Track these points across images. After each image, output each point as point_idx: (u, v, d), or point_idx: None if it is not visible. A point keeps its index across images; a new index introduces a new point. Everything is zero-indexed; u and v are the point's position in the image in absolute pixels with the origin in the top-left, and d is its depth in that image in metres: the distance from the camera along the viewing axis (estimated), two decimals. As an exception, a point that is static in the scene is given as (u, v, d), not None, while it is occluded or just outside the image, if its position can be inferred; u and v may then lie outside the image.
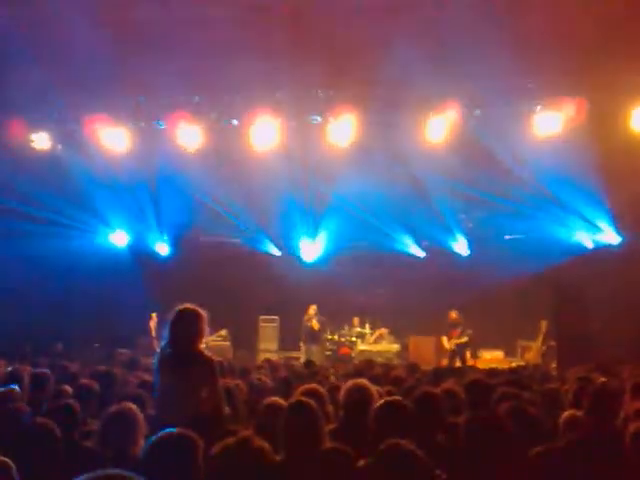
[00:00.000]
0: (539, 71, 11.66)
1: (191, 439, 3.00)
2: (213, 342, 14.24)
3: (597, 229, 14.61)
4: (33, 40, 10.81)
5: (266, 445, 2.61)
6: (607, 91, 12.48)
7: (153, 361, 5.34)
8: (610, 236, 14.57)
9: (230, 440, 2.60)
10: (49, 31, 10.69)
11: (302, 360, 13.42)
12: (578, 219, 14.58)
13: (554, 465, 3.01)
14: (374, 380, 5.57)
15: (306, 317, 15.21)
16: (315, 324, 15.13)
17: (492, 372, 7.94)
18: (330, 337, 15.59)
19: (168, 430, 3.07)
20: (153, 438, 3.04)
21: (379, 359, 13.22)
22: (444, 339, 14.56)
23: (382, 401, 4.17)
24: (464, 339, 14.33)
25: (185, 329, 4.86)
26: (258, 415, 4.62)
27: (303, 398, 4.14)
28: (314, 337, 15.20)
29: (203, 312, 4.95)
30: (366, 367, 8.83)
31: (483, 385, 5.04)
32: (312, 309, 15.20)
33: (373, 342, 15.54)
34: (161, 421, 4.32)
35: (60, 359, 9.60)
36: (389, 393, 5.22)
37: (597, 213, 14.30)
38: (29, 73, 11.55)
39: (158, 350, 5.18)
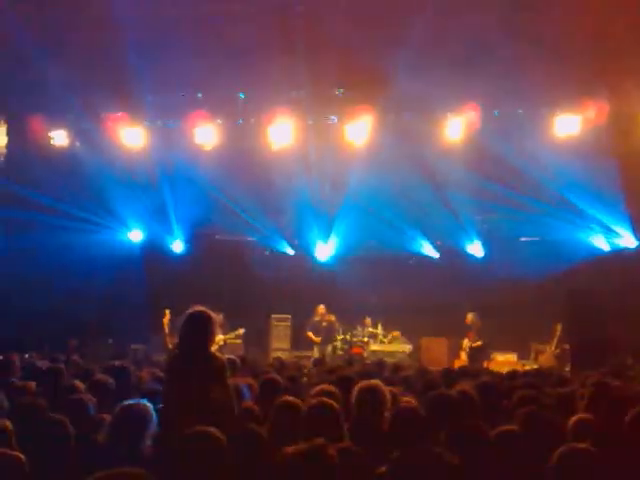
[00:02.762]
0: (559, 73, 11.58)
1: (218, 438, 3.01)
2: (229, 340, 14.28)
3: (614, 232, 14.49)
4: (54, 39, 10.90)
5: (335, 454, 2.56)
6: (627, 94, 12.38)
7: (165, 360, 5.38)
8: (627, 239, 14.44)
9: (303, 447, 2.55)
10: (69, 30, 10.77)
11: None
12: (595, 222, 14.46)
13: (575, 467, 2.99)
14: (385, 381, 5.56)
15: (317, 317, 15.18)
16: (334, 323, 15.14)
17: (508, 375, 7.89)
18: (342, 337, 15.56)
19: (195, 428, 3.07)
20: (180, 436, 3.03)
21: (390, 360, 13.16)
22: (465, 340, 14.51)
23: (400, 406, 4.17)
24: (478, 343, 14.24)
25: (196, 332, 4.90)
26: (272, 414, 4.63)
27: (325, 398, 4.16)
28: (328, 337, 15.18)
29: (214, 315, 4.99)
30: (376, 369, 8.80)
31: (497, 388, 5.01)
32: (322, 308, 15.19)
33: (387, 343, 15.50)
34: (169, 421, 4.35)
35: (75, 354, 9.68)
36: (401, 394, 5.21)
37: (614, 216, 14.18)
38: (50, 71, 11.65)
39: (171, 347, 5.23)
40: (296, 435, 4.15)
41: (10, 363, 6.80)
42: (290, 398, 4.74)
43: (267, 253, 16.58)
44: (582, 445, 3.12)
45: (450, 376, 7.25)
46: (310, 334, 15.17)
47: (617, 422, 4.09)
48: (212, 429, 3.06)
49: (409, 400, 5.42)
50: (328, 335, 15.15)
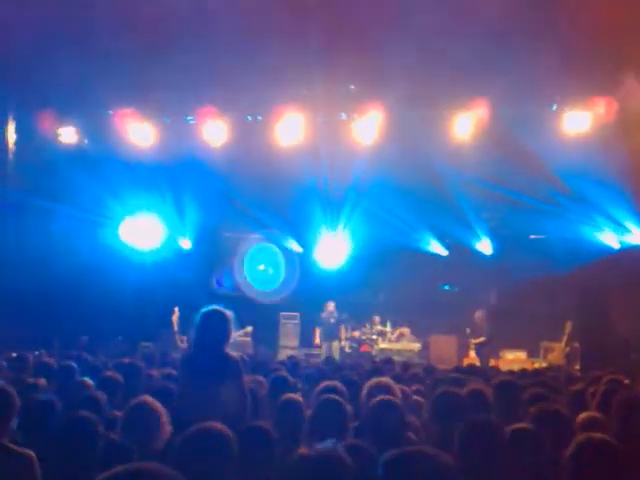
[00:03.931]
0: (568, 69, 11.52)
1: (226, 433, 3.01)
2: (238, 337, 14.30)
3: (624, 230, 14.41)
4: (64, 34, 10.93)
5: (349, 459, 2.54)
6: (637, 91, 12.30)
7: (177, 358, 5.37)
8: (637, 237, 14.36)
9: (313, 451, 2.53)
10: (79, 25, 10.79)
11: (322, 357, 13.46)
12: (605, 219, 14.38)
13: (593, 457, 2.99)
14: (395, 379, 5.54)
15: (325, 314, 15.17)
16: (343, 323, 15.16)
17: (519, 374, 7.88)
18: (351, 335, 15.55)
19: (203, 424, 3.07)
20: (187, 431, 3.03)
21: (398, 358, 13.15)
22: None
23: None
24: (481, 339, 14.25)
25: (211, 331, 4.87)
26: (275, 411, 4.64)
27: (331, 395, 4.16)
28: (335, 334, 15.18)
29: (229, 314, 4.95)
30: (384, 366, 8.79)
31: (512, 386, 4.99)
32: (331, 306, 15.18)
33: (394, 340, 15.49)
34: (183, 420, 4.34)
35: (86, 352, 9.69)
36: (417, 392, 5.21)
37: (624, 214, 14.11)
38: (59, 68, 11.68)
39: (180, 344, 5.23)
40: (298, 433, 4.15)
41: (24, 361, 6.83)
42: (293, 395, 4.73)
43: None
44: (599, 435, 3.12)
45: (460, 374, 7.23)
46: (316, 331, 15.20)
47: (629, 421, 4.07)
48: (219, 425, 3.07)
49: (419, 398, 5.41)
50: (334, 332, 15.14)
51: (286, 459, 3.47)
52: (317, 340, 15.32)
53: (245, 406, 4.73)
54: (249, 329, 14.69)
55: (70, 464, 3.46)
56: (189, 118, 14.40)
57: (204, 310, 4.95)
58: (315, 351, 15.13)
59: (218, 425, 3.08)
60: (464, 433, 3.26)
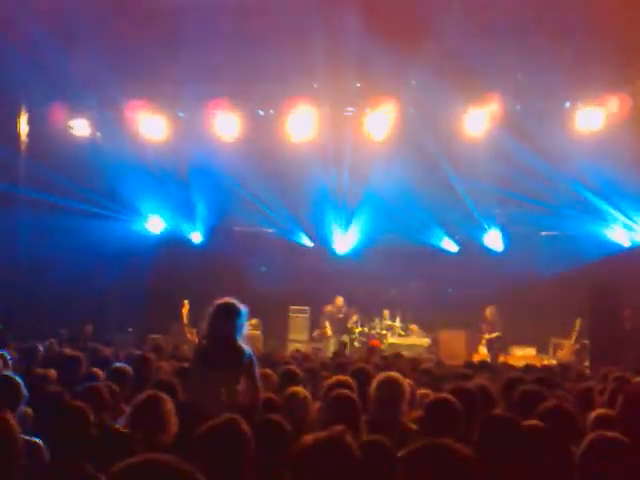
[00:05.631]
0: (582, 66, 11.45)
1: (243, 427, 3.02)
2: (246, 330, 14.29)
3: (635, 228, 14.32)
4: (75, 28, 10.97)
5: (352, 441, 2.55)
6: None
7: (189, 350, 5.40)
8: (649, 235, 14.27)
9: (320, 435, 2.54)
10: (91, 19, 10.82)
11: (330, 351, 13.47)
12: (616, 217, 14.30)
13: (606, 453, 2.99)
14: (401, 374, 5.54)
15: (334, 308, 15.15)
16: (353, 317, 15.14)
17: (526, 370, 7.86)
18: (360, 329, 15.54)
19: (222, 418, 3.07)
20: (206, 425, 3.04)
21: (408, 353, 13.11)
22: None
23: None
24: (494, 335, 14.23)
25: (225, 323, 4.88)
26: (282, 404, 4.64)
27: (344, 391, 4.15)
28: (344, 328, 15.18)
29: (242, 307, 4.96)
30: (393, 361, 8.77)
31: (518, 383, 4.98)
32: (340, 300, 15.17)
33: (404, 334, 15.48)
34: (195, 411, 4.35)
35: (91, 342, 9.74)
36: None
37: (636, 211, 14.02)
38: (72, 60, 11.73)
39: (189, 337, 5.25)
40: (305, 425, 4.16)
41: (34, 351, 6.87)
42: (298, 389, 4.74)
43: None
44: (611, 433, 3.12)
45: (471, 369, 7.23)
46: (325, 325, 15.21)
47: (636, 417, 4.05)
48: (239, 419, 3.07)
49: (427, 392, 5.42)
50: (342, 326, 15.14)
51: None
52: (316, 333, 15.30)
53: (258, 399, 4.75)
54: (254, 321, 14.70)
55: (60, 452, 3.46)
56: (201, 111, 14.40)
57: (217, 303, 4.96)
58: (320, 345, 15.11)
59: (238, 420, 3.09)
60: (484, 428, 3.25)
